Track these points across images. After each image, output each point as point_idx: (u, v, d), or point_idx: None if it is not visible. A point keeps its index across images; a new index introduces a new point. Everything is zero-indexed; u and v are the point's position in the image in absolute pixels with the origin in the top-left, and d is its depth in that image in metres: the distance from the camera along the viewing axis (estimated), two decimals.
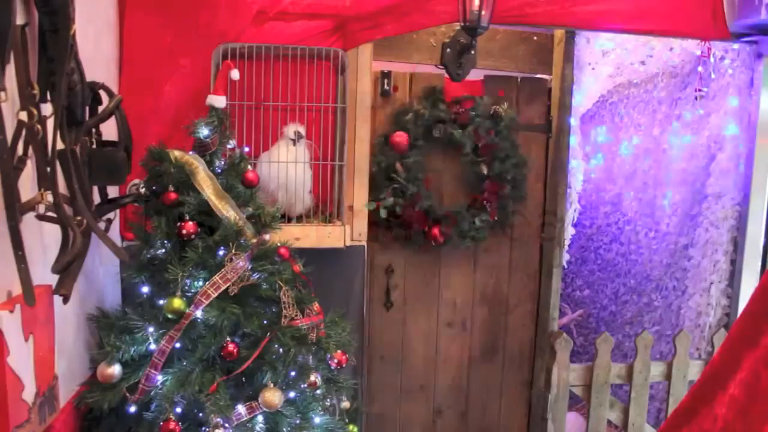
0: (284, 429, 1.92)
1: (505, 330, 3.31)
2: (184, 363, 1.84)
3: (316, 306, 2.08)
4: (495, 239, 3.22)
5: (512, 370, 3.33)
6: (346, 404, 2.23)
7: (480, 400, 3.35)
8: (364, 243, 2.69)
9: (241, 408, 1.85)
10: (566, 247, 3.23)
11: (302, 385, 1.99)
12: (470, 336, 3.30)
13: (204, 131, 1.96)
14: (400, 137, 2.99)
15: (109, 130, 1.85)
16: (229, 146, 2.08)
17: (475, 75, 3.04)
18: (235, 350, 1.85)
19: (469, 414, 3.34)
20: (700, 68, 3.19)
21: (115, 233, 2.22)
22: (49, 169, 1.36)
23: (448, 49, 2.91)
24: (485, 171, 3.07)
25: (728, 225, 3.09)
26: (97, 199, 1.86)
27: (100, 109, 1.76)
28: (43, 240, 1.57)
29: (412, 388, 3.29)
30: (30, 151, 1.32)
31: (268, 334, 1.91)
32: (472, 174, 3.12)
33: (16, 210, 1.24)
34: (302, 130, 2.46)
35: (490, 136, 3.04)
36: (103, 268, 2.13)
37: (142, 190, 1.96)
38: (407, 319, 3.25)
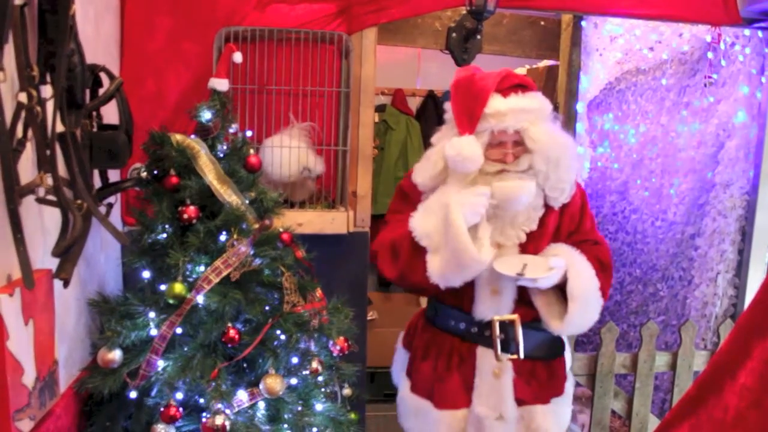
0: (286, 416, 1.91)
1: None
2: (185, 349, 1.84)
3: (318, 292, 2.07)
4: None
5: None
6: (348, 391, 2.23)
7: None
8: (368, 229, 2.67)
9: (242, 394, 1.85)
10: None
11: (304, 372, 1.98)
12: None
13: (206, 115, 1.94)
14: None
15: (110, 113, 1.84)
16: (231, 130, 2.06)
17: (480, 60, 3.01)
18: (236, 336, 1.84)
19: None
20: (710, 54, 3.14)
21: (116, 218, 2.21)
22: (48, 151, 1.35)
23: (454, 34, 2.87)
24: None
25: (736, 214, 3.06)
26: (98, 183, 1.85)
27: (101, 91, 1.75)
28: (43, 224, 1.56)
29: None
30: (30, 133, 1.30)
31: (270, 320, 1.90)
32: None
33: (15, 193, 1.23)
34: (316, 164, 2.46)
35: None
36: (104, 253, 2.12)
37: (144, 174, 1.94)
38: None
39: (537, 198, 1.91)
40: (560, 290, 1.90)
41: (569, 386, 2.09)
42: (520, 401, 1.95)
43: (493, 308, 1.94)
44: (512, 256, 1.89)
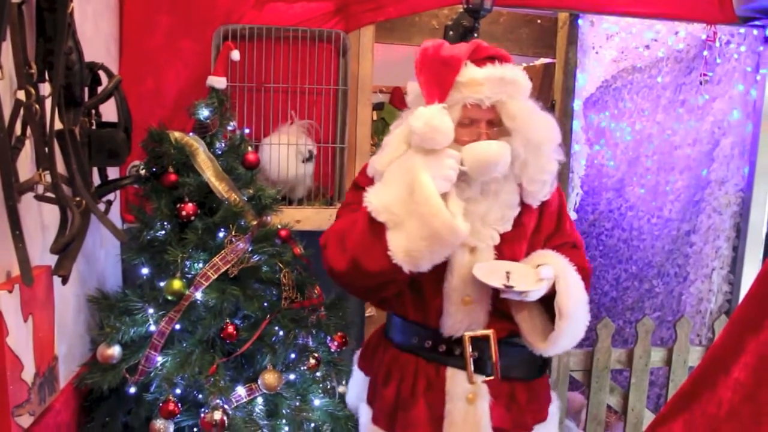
0: (284, 411, 1.93)
1: None
2: (184, 344, 1.85)
3: (316, 288, 2.08)
4: None
5: None
6: (345, 387, 2.24)
7: None
8: None
9: (240, 389, 1.86)
10: None
11: (302, 368, 1.99)
12: None
13: (204, 112, 1.95)
14: None
15: (109, 111, 1.85)
16: (229, 128, 2.07)
17: None
18: (234, 332, 1.85)
19: None
20: (705, 53, 3.15)
21: (115, 215, 2.22)
22: (47, 149, 1.35)
23: (451, 32, 2.87)
24: None
25: (731, 211, 3.08)
26: (97, 180, 1.86)
27: (100, 89, 1.75)
28: (43, 221, 1.57)
29: None
30: (28, 131, 1.31)
31: (268, 316, 1.91)
32: None
33: (14, 190, 1.23)
34: (314, 148, 2.45)
35: None
36: (103, 250, 2.13)
37: (142, 172, 1.95)
38: None
39: (511, 194, 1.62)
40: (542, 303, 1.62)
41: (554, 409, 1.80)
42: (498, 430, 1.64)
43: (465, 322, 1.62)
44: (490, 262, 1.60)
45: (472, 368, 1.60)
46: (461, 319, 1.62)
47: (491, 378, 1.62)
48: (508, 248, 1.63)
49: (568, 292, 1.55)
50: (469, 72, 1.54)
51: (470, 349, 1.60)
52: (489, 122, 1.57)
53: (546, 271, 1.56)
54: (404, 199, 1.48)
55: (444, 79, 1.54)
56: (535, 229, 1.70)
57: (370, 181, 1.65)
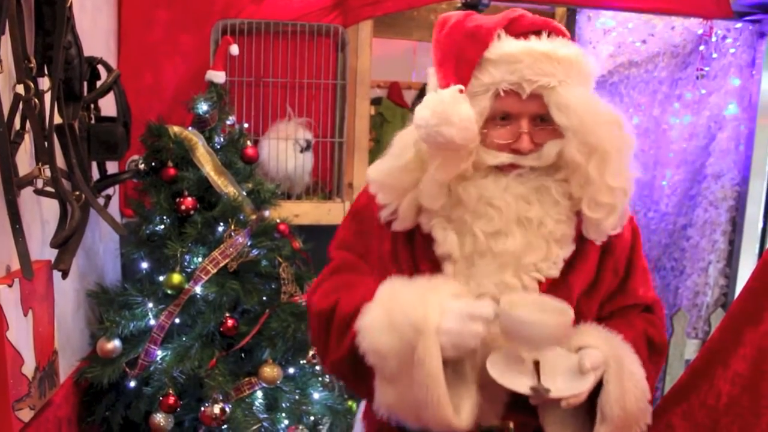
0: (283, 404, 1.93)
1: None
2: (184, 338, 1.85)
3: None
4: None
5: None
6: None
7: None
8: None
9: (240, 383, 1.87)
10: None
11: (301, 361, 2.00)
12: None
13: (203, 107, 1.95)
14: None
15: (108, 105, 1.84)
16: (228, 122, 2.07)
17: None
18: (234, 326, 1.85)
19: None
20: (701, 47, 3.16)
21: (114, 209, 2.22)
22: (46, 143, 1.35)
23: None
24: None
25: (727, 205, 3.10)
26: (96, 174, 1.86)
27: (99, 84, 1.75)
28: (42, 215, 1.57)
29: None
30: (27, 125, 1.31)
31: (268, 310, 1.92)
32: None
33: (13, 184, 1.23)
34: (311, 137, 2.45)
35: None
36: (102, 244, 2.13)
37: (141, 166, 1.95)
38: None
39: (563, 223, 1.15)
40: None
41: None
42: None
43: (476, 411, 1.13)
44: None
45: None
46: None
47: None
48: None
49: (619, 391, 1.11)
50: (503, 45, 1.11)
51: None
52: (533, 118, 1.13)
53: (591, 358, 1.10)
54: (402, 358, 1.06)
55: (466, 54, 1.11)
56: (594, 278, 1.21)
57: (368, 204, 1.28)
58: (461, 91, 1.09)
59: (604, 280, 1.22)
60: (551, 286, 1.15)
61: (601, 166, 1.11)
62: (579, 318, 1.17)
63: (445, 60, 1.15)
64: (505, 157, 1.13)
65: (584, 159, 1.10)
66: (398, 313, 1.07)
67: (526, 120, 1.12)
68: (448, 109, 1.06)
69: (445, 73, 1.14)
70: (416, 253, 1.24)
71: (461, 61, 1.12)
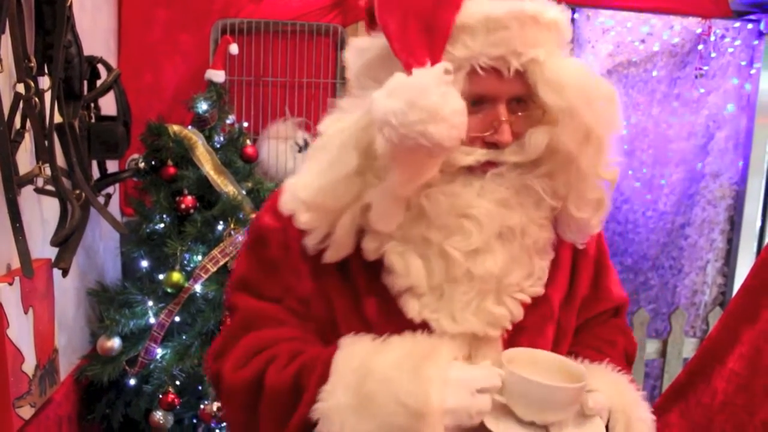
0: None
1: None
2: (184, 337, 1.86)
3: None
4: None
5: None
6: None
7: None
8: None
9: None
10: None
11: None
12: None
13: (203, 106, 1.95)
14: None
15: (108, 104, 1.85)
16: (228, 121, 2.07)
17: None
18: None
19: None
20: (700, 47, 3.17)
21: (114, 208, 2.22)
22: (47, 142, 1.36)
23: None
24: None
25: (725, 204, 3.11)
26: (96, 173, 1.86)
27: (99, 83, 1.76)
28: (42, 214, 1.57)
29: None
30: (28, 124, 1.31)
31: None
32: None
33: (13, 182, 1.24)
34: (310, 138, 2.45)
35: None
36: (102, 243, 2.14)
37: (141, 165, 1.96)
38: None
39: (545, 228, 0.93)
40: None
41: None
42: None
43: None
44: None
45: None
46: None
47: None
48: (531, 322, 0.95)
49: None
50: (480, 6, 0.83)
51: None
52: (513, 101, 0.88)
53: (595, 401, 0.91)
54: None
55: (434, 22, 0.81)
56: (568, 287, 1.02)
57: (282, 231, 0.95)
58: (447, 72, 0.79)
59: (579, 286, 1.03)
60: (531, 305, 0.93)
61: (595, 156, 0.87)
62: (560, 334, 1.01)
63: (404, 28, 0.81)
64: (480, 154, 0.87)
65: (577, 148, 0.86)
66: (382, 394, 0.80)
67: (503, 105, 0.86)
68: (437, 100, 0.76)
69: (409, 45, 0.81)
70: (357, 289, 0.94)
71: (431, 31, 0.81)
